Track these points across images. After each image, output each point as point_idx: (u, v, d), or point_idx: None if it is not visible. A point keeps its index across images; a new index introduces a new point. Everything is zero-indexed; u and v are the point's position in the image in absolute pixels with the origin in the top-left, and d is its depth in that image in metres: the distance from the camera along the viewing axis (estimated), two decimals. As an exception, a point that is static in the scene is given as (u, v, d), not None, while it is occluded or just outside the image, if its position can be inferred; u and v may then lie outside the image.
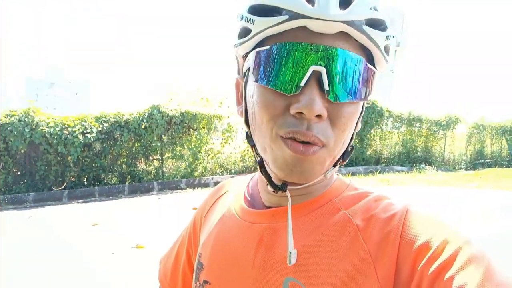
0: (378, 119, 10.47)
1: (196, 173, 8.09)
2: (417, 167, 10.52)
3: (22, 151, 6.71)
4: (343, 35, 0.42)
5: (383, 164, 10.59)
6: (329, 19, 0.39)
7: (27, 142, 6.63)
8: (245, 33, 0.46)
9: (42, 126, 6.76)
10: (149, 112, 7.66)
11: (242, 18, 0.45)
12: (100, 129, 7.21)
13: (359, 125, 0.50)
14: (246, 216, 0.54)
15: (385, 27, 0.44)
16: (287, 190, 0.48)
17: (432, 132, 11.57)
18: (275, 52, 0.42)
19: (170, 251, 0.73)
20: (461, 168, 11.64)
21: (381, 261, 0.42)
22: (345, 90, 0.42)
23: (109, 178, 7.54)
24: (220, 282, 0.52)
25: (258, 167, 0.51)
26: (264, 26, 0.43)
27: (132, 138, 7.59)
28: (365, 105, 0.49)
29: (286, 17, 0.41)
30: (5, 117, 6.60)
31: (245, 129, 0.51)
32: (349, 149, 0.49)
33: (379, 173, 9.42)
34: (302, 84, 0.41)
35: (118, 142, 7.43)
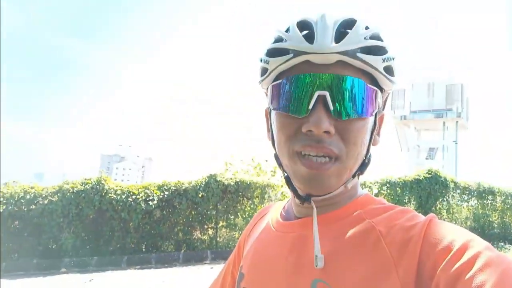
0: (443, 191, 9.77)
1: (249, 244, 7.97)
2: (495, 245, 9.33)
3: (91, 216, 7.24)
4: (343, 63, 0.50)
5: (453, 241, 9.56)
6: (325, 52, 0.49)
7: (95, 208, 7.19)
8: (264, 71, 0.56)
9: (111, 193, 7.34)
10: (206, 181, 8.00)
11: (261, 60, 0.56)
12: (161, 197, 7.62)
13: (377, 139, 0.57)
14: (280, 227, 0.60)
15: (384, 51, 0.52)
16: (312, 201, 0.54)
17: (509, 206, 10.42)
18: (286, 84, 0.52)
19: (218, 277, 0.78)
20: (550, 248, 10.07)
21: (403, 263, 0.44)
22: (347, 109, 0.50)
23: (166, 245, 7.71)
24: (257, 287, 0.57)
25: (285, 182, 0.58)
26: (276, 64, 0.53)
27: (190, 206, 7.86)
28: (382, 120, 0.57)
29: (292, 55, 0.51)
30: (81, 185, 7.31)
31: (274, 151, 0.59)
32: (366, 161, 0.55)
33: (449, 250, 8.49)
34: (310, 107, 0.50)
35: (176, 210, 7.73)
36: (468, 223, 10.12)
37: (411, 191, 9.55)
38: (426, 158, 32.02)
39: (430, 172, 9.87)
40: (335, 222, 0.54)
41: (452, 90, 32.21)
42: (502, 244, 9.47)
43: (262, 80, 0.57)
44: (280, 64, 0.52)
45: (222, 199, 8.07)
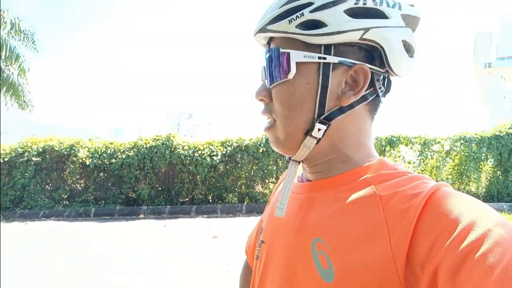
0: (528, 147, 8.76)
1: (309, 198, 8.14)
2: None
3: (163, 169, 7.93)
4: (272, 38, 0.57)
5: (536, 202, 8.71)
6: (254, 34, 0.58)
7: (167, 162, 7.82)
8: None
9: (179, 149, 7.90)
10: (266, 137, 8.14)
11: None
12: (224, 152, 8.01)
13: (346, 96, 0.53)
14: (295, 188, 0.65)
15: (293, 10, 0.52)
16: (290, 161, 0.61)
17: None
18: None
19: (255, 227, 0.88)
20: None
21: (396, 232, 0.44)
22: (271, 77, 0.56)
23: (230, 197, 8.23)
24: (271, 242, 0.63)
25: None
26: None
27: (251, 161, 8.17)
28: (359, 73, 0.53)
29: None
30: (153, 141, 7.96)
31: None
32: (316, 120, 0.54)
33: (530, 211, 7.79)
34: (261, 80, 0.61)
35: (239, 165, 8.10)
36: (557, 183, 9.07)
37: (489, 147, 8.72)
38: (513, 111, 28.45)
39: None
40: (341, 186, 0.55)
41: (509, 33, 27.30)
42: None
43: None
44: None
45: (282, 155, 8.19)
